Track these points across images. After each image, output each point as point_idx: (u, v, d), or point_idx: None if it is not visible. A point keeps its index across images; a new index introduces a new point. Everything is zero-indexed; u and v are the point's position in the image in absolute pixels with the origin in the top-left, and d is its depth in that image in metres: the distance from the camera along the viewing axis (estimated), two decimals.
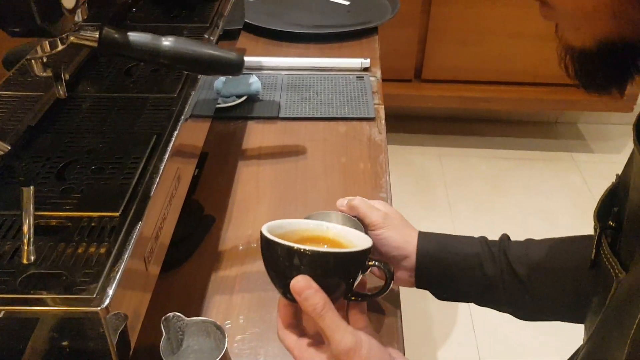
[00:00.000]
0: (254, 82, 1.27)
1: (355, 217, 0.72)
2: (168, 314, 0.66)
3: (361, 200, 0.74)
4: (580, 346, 0.60)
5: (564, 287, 0.68)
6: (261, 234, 0.56)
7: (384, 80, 1.38)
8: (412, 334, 1.78)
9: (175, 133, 0.77)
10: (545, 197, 2.51)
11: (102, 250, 0.60)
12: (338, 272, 0.54)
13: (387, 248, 0.71)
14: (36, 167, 0.70)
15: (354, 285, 0.56)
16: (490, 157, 2.73)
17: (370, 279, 0.73)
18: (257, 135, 1.19)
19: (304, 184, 1.06)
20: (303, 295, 0.51)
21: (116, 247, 0.60)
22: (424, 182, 2.61)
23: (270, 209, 1.00)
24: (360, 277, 0.57)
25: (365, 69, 1.40)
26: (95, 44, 0.60)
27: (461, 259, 0.70)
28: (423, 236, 0.72)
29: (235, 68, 0.66)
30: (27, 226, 0.55)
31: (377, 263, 0.55)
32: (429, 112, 2.93)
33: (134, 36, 0.61)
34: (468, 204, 2.47)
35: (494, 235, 0.75)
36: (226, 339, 0.63)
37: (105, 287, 0.55)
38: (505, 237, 0.73)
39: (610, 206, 0.55)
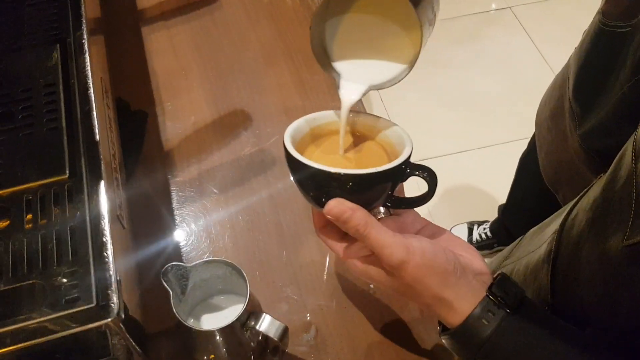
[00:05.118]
0: None
1: None
2: (165, 267, 0.54)
3: None
4: None
5: None
6: (284, 147, 0.46)
7: None
8: None
9: (85, 34, 0.58)
10: None
11: (70, 233, 0.46)
12: (373, 189, 0.46)
13: None
14: None
15: (393, 193, 0.48)
16: None
17: None
18: None
19: (232, 41, 0.89)
20: (341, 219, 0.44)
21: (88, 226, 0.46)
22: None
23: (204, 84, 0.84)
24: (398, 186, 0.48)
25: None
26: None
27: None
28: None
29: None
30: None
31: (417, 172, 0.47)
32: None
33: None
34: None
35: None
36: (247, 283, 0.54)
37: (105, 289, 0.43)
38: None
39: None
